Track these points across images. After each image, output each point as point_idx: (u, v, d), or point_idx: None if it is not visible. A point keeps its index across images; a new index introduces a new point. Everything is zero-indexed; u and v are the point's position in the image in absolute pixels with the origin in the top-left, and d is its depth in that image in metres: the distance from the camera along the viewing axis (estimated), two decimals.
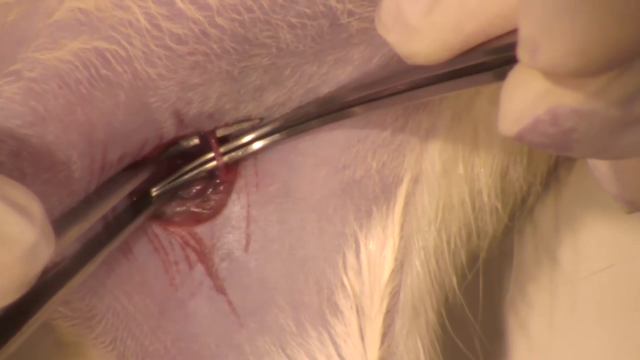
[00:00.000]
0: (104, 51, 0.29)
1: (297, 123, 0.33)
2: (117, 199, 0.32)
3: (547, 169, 0.38)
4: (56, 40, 0.29)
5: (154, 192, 0.34)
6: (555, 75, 0.22)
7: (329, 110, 0.32)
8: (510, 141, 0.34)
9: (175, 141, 0.34)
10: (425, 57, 0.26)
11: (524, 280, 0.40)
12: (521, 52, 0.22)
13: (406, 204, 0.34)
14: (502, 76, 0.25)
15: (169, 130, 0.32)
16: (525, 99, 0.22)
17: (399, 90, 0.30)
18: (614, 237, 0.39)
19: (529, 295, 0.40)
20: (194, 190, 0.35)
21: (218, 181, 0.35)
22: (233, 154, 0.34)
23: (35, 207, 0.24)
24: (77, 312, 0.33)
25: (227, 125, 0.33)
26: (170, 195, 0.35)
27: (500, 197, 0.35)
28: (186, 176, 0.34)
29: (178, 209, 0.35)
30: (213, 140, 0.34)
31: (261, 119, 0.33)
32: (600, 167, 0.27)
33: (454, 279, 0.35)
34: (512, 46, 0.24)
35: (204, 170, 0.34)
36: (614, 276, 0.39)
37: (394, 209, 0.34)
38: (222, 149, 0.34)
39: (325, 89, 0.33)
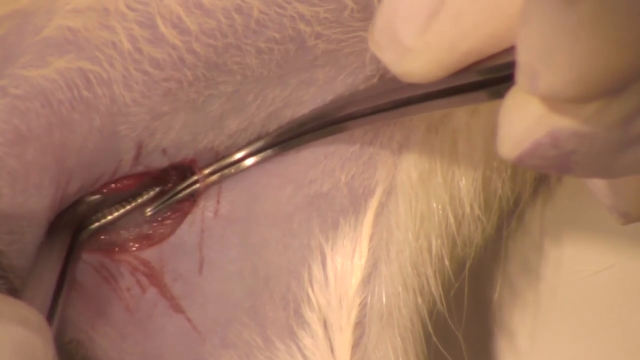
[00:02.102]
0: (87, 72, 0.30)
1: (287, 139, 0.33)
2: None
3: (536, 178, 0.38)
4: (43, 58, 0.29)
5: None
6: (554, 101, 0.22)
7: (321, 125, 0.32)
8: (491, 151, 0.35)
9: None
10: (420, 76, 0.26)
11: (515, 285, 0.41)
12: (520, 79, 0.22)
13: (377, 215, 0.34)
14: (495, 95, 0.26)
15: (126, 164, 0.32)
16: (524, 122, 0.22)
17: (392, 106, 0.30)
18: (613, 237, 0.39)
19: (520, 301, 0.41)
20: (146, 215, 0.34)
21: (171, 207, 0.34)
22: (218, 174, 0.34)
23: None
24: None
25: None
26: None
27: (484, 206, 0.35)
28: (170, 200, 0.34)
29: (123, 234, 0.34)
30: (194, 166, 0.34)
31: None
32: (595, 180, 0.27)
33: (439, 286, 0.35)
34: (506, 66, 0.25)
35: (187, 194, 0.34)
36: (614, 276, 0.39)
37: (363, 220, 0.34)
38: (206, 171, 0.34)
39: (287, 111, 0.33)
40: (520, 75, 0.22)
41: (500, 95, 0.24)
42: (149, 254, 0.34)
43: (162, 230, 0.34)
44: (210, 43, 0.31)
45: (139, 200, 0.34)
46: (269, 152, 0.33)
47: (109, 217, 0.34)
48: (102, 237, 0.34)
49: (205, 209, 0.34)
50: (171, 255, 0.34)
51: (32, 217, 0.31)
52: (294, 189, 0.34)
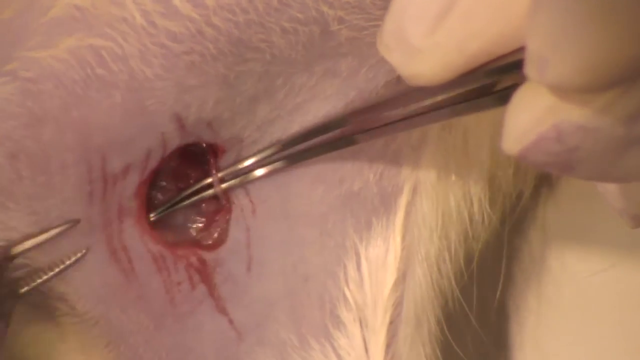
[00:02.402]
0: (100, 49, 0.29)
1: (297, 151, 0.32)
2: None
3: (537, 175, 0.38)
4: (51, 38, 0.29)
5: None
6: (562, 92, 0.22)
7: (330, 139, 0.32)
8: (497, 149, 0.33)
9: None
10: (428, 78, 0.26)
11: (519, 284, 0.40)
12: (529, 68, 0.22)
13: (407, 214, 0.34)
14: (503, 100, 0.25)
15: (172, 137, 0.32)
16: (529, 117, 0.22)
17: (400, 117, 0.30)
18: (614, 237, 0.39)
19: (523, 300, 0.41)
20: (196, 224, 0.35)
21: (214, 212, 0.34)
22: (231, 182, 0.33)
23: None
24: (75, 311, 0.32)
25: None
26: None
27: (489, 202, 0.35)
28: (185, 202, 0.34)
29: (183, 238, 0.35)
30: (212, 162, 0.33)
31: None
32: (607, 184, 0.27)
33: (454, 284, 0.35)
34: (513, 65, 0.25)
35: (202, 197, 0.34)
36: (614, 276, 0.39)
37: (394, 220, 0.34)
38: (220, 174, 0.33)
39: (312, 106, 0.33)
40: (529, 64, 0.21)
41: (506, 100, 0.24)
42: (207, 254, 0.34)
43: (215, 233, 0.34)
44: (229, 18, 0.30)
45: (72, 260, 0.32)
46: (278, 164, 0.33)
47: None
48: (170, 231, 0.34)
49: (243, 207, 0.34)
50: (226, 253, 0.34)
51: (58, 196, 0.31)
52: (326, 189, 0.34)
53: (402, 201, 0.34)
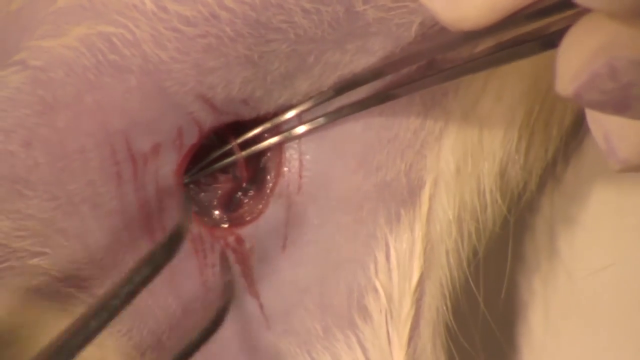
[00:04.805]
0: (110, 35, 0.29)
1: (337, 108, 0.32)
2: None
3: (543, 168, 0.38)
4: (60, 27, 0.29)
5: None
6: (611, 20, 0.22)
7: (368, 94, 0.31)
8: (510, 140, 0.35)
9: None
10: (473, 21, 0.25)
11: (523, 277, 0.40)
12: None
13: (430, 207, 0.34)
14: (548, 45, 0.25)
15: (202, 115, 0.31)
16: (582, 56, 0.22)
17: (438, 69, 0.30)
18: (614, 237, 0.38)
19: (528, 292, 0.40)
20: (239, 194, 0.34)
21: (262, 184, 0.34)
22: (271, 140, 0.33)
23: None
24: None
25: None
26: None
27: (500, 194, 0.35)
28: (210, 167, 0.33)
29: (223, 214, 0.34)
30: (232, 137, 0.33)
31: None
32: (603, 120, 0.26)
33: (465, 276, 0.35)
34: (556, 6, 0.24)
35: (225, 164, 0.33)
36: (614, 276, 0.38)
37: (419, 212, 0.34)
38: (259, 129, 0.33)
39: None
40: None
41: (553, 45, 0.24)
42: (245, 231, 0.34)
43: (256, 206, 0.34)
44: (243, 0, 0.29)
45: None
46: (320, 120, 0.32)
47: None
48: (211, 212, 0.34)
49: (290, 183, 0.33)
50: (263, 231, 0.34)
51: (81, 180, 0.30)
52: (365, 175, 0.33)
53: (426, 194, 0.34)
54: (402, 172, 0.33)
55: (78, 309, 0.32)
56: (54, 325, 0.32)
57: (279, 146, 0.33)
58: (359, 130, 0.33)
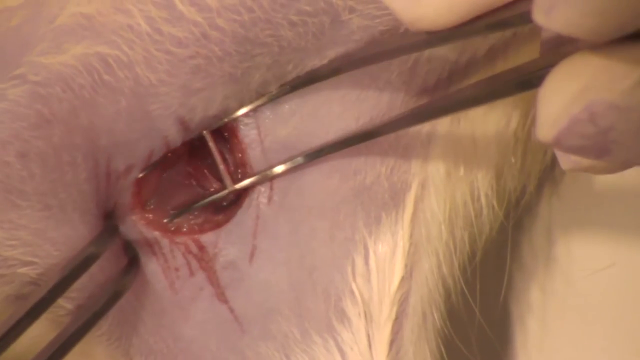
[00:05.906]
0: (106, 56, 0.30)
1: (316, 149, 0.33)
2: None
3: (541, 171, 0.38)
4: (59, 45, 0.29)
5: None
6: (590, 59, 0.22)
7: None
8: (505, 143, 0.34)
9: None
10: (431, 21, 0.25)
11: (521, 280, 0.40)
12: (536, 13, 0.21)
13: (415, 210, 0.34)
14: (527, 86, 0.25)
15: (174, 137, 0.32)
16: (561, 100, 0.22)
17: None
18: (611, 239, 0.38)
19: (526, 295, 0.40)
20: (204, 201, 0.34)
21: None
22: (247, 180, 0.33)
23: None
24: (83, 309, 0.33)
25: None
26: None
27: (496, 197, 0.35)
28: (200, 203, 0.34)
29: (189, 217, 0.34)
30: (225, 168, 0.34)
31: None
32: None
33: (459, 280, 0.35)
34: (517, 18, 0.24)
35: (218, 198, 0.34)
36: (611, 278, 0.38)
37: (403, 216, 0.34)
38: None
39: None
40: (537, 10, 0.21)
41: (533, 85, 0.24)
42: (207, 238, 0.34)
43: (221, 214, 0.34)
44: (234, 18, 0.30)
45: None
46: (298, 159, 0.33)
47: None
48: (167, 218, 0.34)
49: (260, 194, 0.34)
50: (226, 241, 0.34)
51: (73, 190, 0.31)
52: (340, 179, 0.33)
53: (411, 197, 0.34)
54: (383, 175, 0.34)
55: (64, 319, 0.32)
56: (41, 334, 0.32)
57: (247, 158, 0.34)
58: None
